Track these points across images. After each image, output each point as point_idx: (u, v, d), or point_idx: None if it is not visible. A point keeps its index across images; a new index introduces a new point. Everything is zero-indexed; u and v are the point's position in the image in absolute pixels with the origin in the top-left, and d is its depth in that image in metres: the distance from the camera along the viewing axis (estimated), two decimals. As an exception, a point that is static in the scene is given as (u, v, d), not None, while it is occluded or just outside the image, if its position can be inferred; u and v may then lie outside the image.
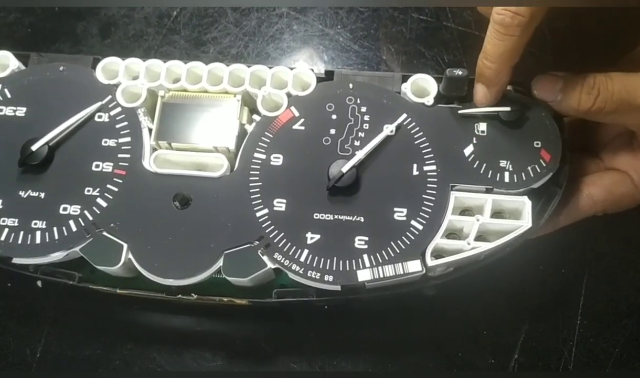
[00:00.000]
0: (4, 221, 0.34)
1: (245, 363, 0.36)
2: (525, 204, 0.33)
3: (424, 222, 0.33)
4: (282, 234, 0.33)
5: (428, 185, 0.34)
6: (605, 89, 0.32)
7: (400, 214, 0.33)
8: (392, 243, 0.33)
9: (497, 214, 0.34)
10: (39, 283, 0.38)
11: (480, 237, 0.33)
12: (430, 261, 0.32)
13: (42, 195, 0.34)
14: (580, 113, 0.33)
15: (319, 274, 0.32)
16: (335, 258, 0.33)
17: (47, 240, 0.33)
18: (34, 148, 0.34)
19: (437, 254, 0.33)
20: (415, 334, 0.38)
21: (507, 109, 0.34)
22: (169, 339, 0.37)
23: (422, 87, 0.36)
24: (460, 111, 0.35)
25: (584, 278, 0.39)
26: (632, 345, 0.37)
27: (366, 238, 0.33)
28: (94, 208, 0.34)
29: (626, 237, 0.39)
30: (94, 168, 0.35)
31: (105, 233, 0.33)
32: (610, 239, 0.39)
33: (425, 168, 0.34)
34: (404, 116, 0.35)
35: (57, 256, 0.33)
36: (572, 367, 0.37)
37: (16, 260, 0.34)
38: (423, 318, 0.38)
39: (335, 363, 0.36)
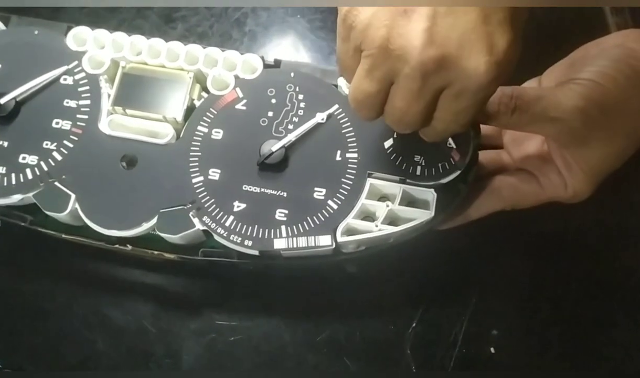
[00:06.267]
0: (-32, 164, 0.38)
1: (175, 312, 0.40)
2: (430, 196, 0.37)
3: (340, 202, 0.37)
4: (213, 200, 0.37)
5: (348, 170, 0.37)
6: (522, 102, 0.34)
7: (319, 193, 0.37)
8: (308, 217, 0.36)
9: (410, 203, 0.38)
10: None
11: (391, 222, 0.37)
12: (340, 238, 0.36)
13: (6, 144, 0.38)
14: (499, 126, 0.36)
15: (240, 238, 0.36)
16: (256, 226, 0.36)
17: (5, 184, 0.37)
18: (2, 101, 0.38)
19: (349, 232, 0.37)
20: (330, 302, 0.41)
21: None
22: (110, 285, 0.41)
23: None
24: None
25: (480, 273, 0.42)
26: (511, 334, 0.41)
27: (286, 211, 0.37)
28: (50, 160, 0.38)
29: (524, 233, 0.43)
30: (54, 125, 0.39)
31: (56, 183, 0.37)
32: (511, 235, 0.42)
33: (348, 155, 0.38)
34: (336, 106, 0.39)
35: (14, 198, 0.37)
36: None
37: (-24, 200, 0.38)
38: (341, 287, 0.42)
39: (252, 320, 0.40)
